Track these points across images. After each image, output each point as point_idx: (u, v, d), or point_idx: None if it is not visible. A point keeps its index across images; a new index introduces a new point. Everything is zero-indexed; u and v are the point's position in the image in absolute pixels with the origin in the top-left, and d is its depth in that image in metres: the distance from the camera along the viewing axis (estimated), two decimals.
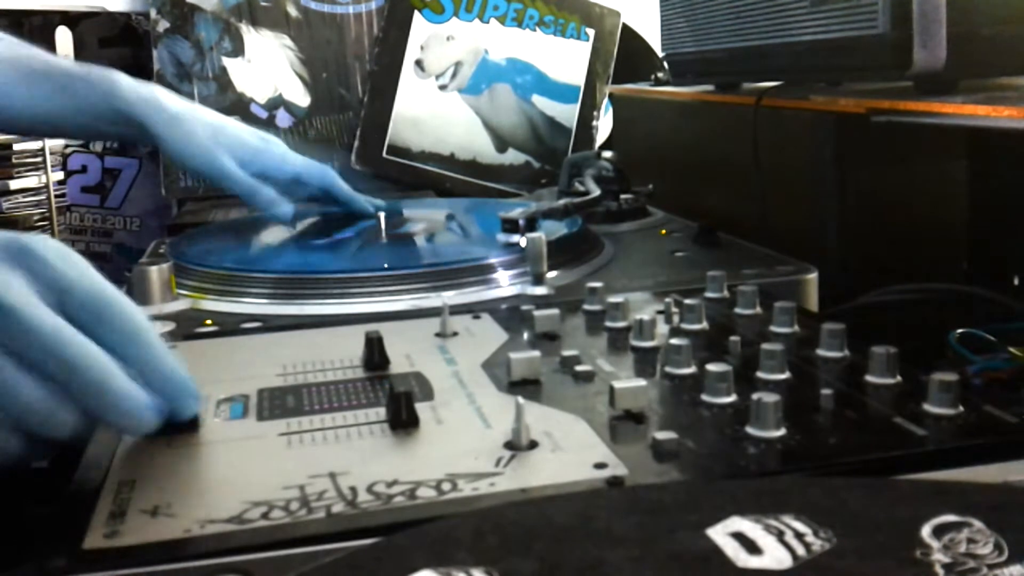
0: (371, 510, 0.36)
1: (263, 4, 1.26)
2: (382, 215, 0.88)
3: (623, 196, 0.94)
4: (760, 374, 0.48)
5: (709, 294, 0.63)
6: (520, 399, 0.41)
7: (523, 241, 0.71)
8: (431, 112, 1.27)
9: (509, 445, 0.41)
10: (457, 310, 0.60)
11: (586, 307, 0.62)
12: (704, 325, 0.57)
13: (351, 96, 1.28)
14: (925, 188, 0.78)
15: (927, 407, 0.42)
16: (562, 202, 0.85)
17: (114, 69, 0.83)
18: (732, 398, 0.45)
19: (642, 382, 0.44)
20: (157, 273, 0.67)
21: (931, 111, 0.64)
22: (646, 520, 0.30)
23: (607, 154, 0.99)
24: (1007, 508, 0.30)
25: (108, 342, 0.39)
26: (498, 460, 0.39)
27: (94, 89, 0.81)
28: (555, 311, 0.58)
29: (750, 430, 0.41)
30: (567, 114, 1.31)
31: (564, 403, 0.46)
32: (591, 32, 1.31)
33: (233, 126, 0.88)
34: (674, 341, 0.50)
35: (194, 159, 0.82)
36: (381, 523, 0.35)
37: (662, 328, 0.56)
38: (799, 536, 0.28)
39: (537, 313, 0.58)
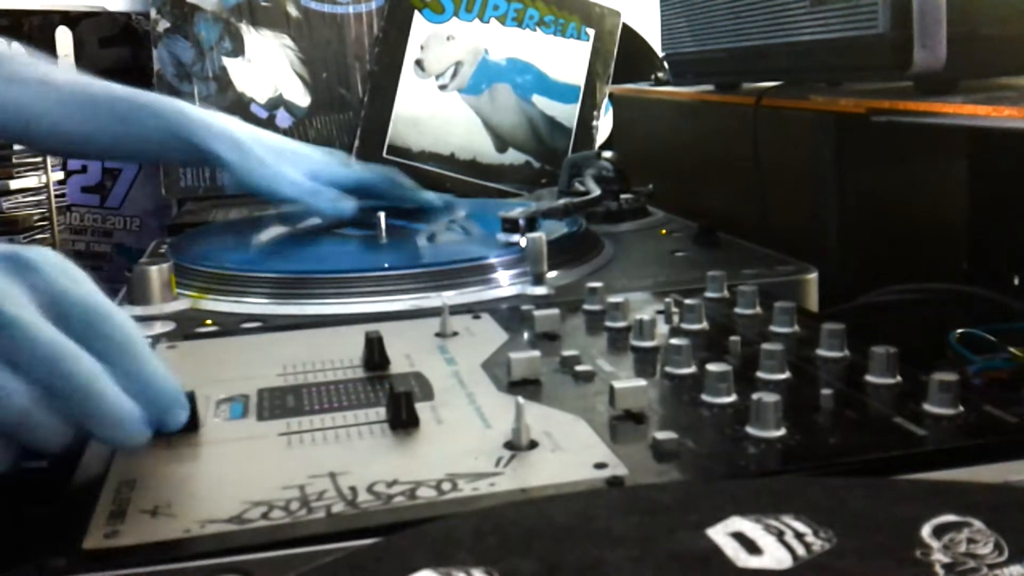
0: (371, 510, 0.36)
1: (263, 4, 1.26)
2: (382, 214, 0.88)
3: (623, 196, 0.94)
4: (760, 374, 0.48)
5: (709, 294, 0.63)
6: (520, 399, 0.41)
7: (523, 241, 0.71)
8: (431, 112, 1.27)
9: (509, 445, 0.41)
10: (457, 310, 0.60)
11: (586, 307, 0.62)
12: (704, 325, 0.57)
13: (351, 96, 1.28)
14: (925, 188, 0.78)
15: (927, 407, 0.42)
16: (562, 202, 0.85)
17: (180, 100, 0.87)
18: (732, 398, 0.45)
19: (642, 382, 0.44)
20: (157, 273, 0.67)
21: (931, 111, 0.64)
22: (646, 520, 0.30)
23: (607, 154, 0.99)
24: (1007, 508, 0.30)
25: (101, 353, 0.39)
26: (498, 460, 0.39)
27: (161, 119, 0.83)
28: (555, 311, 0.58)
29: (750, 430, 0.41)
30: (567, 114, 1.31)
31: (564, 403, 0.46)
32: (591, 32, 1.31)
33: (294, 146, 0.91)
34: (674, 341, 0.50)
35: (258, 180, 0.84)
36: (381, 523, 0.35)
37: (662, 328, 0.56)
38: (799, 536, 0.28)
39: (537, 313, 0.58)
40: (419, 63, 1.27)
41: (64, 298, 0.40)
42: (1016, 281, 0.75)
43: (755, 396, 0.41)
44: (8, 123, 0.82)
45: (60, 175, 1.30)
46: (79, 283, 0.41)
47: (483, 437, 0.42)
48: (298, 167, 0.86)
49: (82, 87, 0.84)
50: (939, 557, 0.27)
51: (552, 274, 0.70)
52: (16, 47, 1.00)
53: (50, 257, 0.41)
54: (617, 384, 0.44)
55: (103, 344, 0.40)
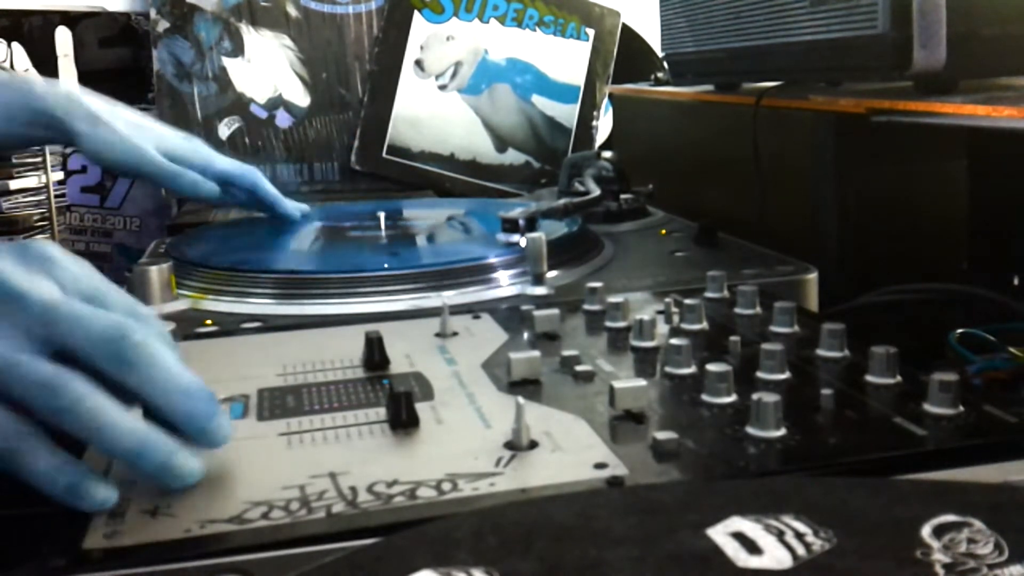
0: (371, 510, 0.36)
1: (263, 4, 1.26)
2: (382, 213, 0.88)
3: (623, 196, 0.94)
4: (760, 374, 0.48)
5: (709, 294, 0.63)
6: (520, 399, 0.41)
7: (523, 241, 0.71)
8: (431, 112, 1.27)
9: (509, 445, 0.41)
10: (457, 310, 0.60)
11: (586, 307, 0.62)
12: (704, 325, 0.57)
13: (351, 96, 1.28)
14: (925, 188, 0.78)
15: (927, 407, 0.42)
16: (562, 202, 0.85)
17: (29, 75, 0.83)
18: (732, 398, 0.45)
19: (642, 382, 0.44)
20: (157, 273, 0.67)
21: (931, 111, 0.64)
22: (646, 520, 0.30)
23: (607, 154, 0.99)
24: (1007, 508, 0.30)
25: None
26: (498, 460, 0.39)
27: (7, 94, 0.80)
28: (555, 311, 0.58)
29: (750, 430, 0.41)
30: (567, 114, 1.31)
31: (564, 403, 0.46)
32: (591, 32, 1.31)
33: (153, 124, 0.88)
34: (674, 341, 0.50)
35: (114, 152, 0.82)
36: (381, 523, 0.35)
37: (662, 328, 0.56)
38: (799, 536, 0.28)
39: (537, 313, 0.58)
40: (419, 63, 1.27)
41: (97, 288, 0.41)
42: (1016, 281, 0.75)
43: (755, 396, 0.41)
44: None
45: (60, 175, 1.30)
46: (97, 276, 0.42)
47: (483, 437, 0.42)
48: (158, 148, 0.84)
49: None
50: (939, 557, 0.27)
51: (552, 274, 0.70)
52: None
53: (60, 249, 0.42)
54: (617, 384, 0.44)
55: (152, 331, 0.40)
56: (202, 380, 0.40)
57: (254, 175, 0.91)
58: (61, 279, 0.40)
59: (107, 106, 0.84)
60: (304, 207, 0.94)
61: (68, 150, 1.33)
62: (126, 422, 0.37)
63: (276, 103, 1.26)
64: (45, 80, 0.83)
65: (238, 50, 1.25)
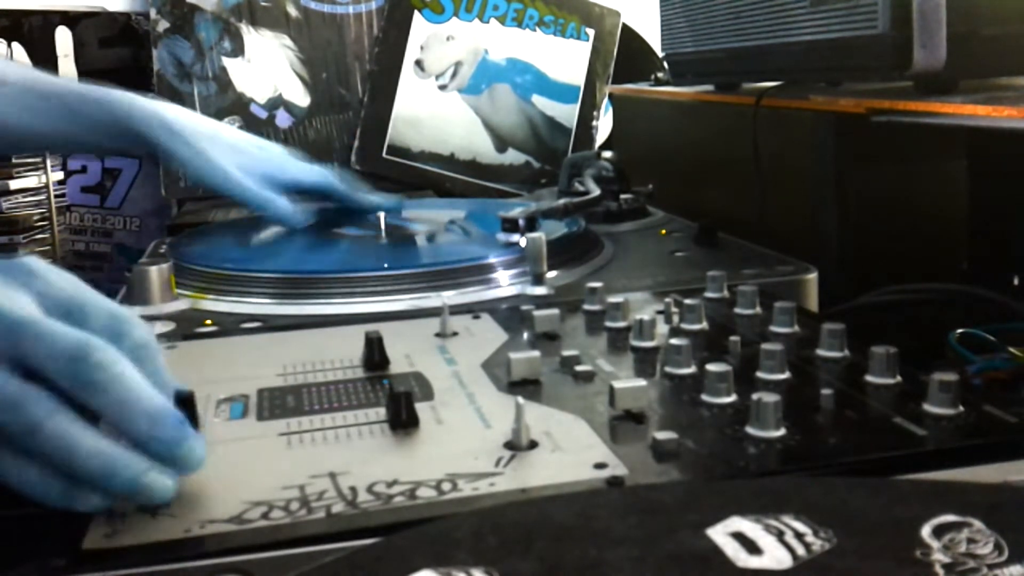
0: (371, 510, 0.36)
1: (263, 4, 1.26)
2: (382, 214, 0.88)
3: (623, 196, 0.94)
4: (760, 374, 0.48)
5: (709, 294, 0.63)
6: (520, 399, 0.41)
7: (523, 241, 0.71)
8: (431, 112, 1.27)
9: (509, 445, 0.41)
10: (457, 310, 0.60)
11: (586, 307, 0.62)
12: (704, 325, 0.57)
13: (351, 96, 1.28)
14: (925, 188, 0.78)
15: (927, 407, 0.42)
16: (562, 202, 0.85)
17: (125, 90, 0.85)
18: (732, 398, 0.45)
19: (642, 382, 0.44)
20: (157, 273, 0.67)
21: (931, 111, 0.64)
22: (646, 520, 0.30)
23: (607, 154, 0.99)
24: (1007, 508, 0.30)
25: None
26: (498, 460, 0.39)
27: (110, 112, 0.82)
28: (555, 311, 0.58)
29: (750, 430, 0.41)
30: (567, 114, 1.31)
31: (564, 403, 0.46)
32: (591, 32, 1.31)
33: (230, 134, 0.89)
34: (674, 341, 0.50)
35: (203, 174, 0.83)
36: (381, 523, 0.35)
37: (662, 328, 0.56)
38: (799, 536, 0.28)
39: (537, 313, 0.58)
40: (419, 63, 1.27)
41: (75, 301, 0.40)
42: (1016, 281, 0.75)
43: (755, 396, 0.41)
44: None
45: (60, 175, 1.30)
46: (81, 287, 0.41)
47: (483, 437, 0.42)
48: (238, 162, 0.85)
49: (30, 83, 0.83)
50: (939, 557, 0.27)
51: (552, 274, 0.70)
52: None
53: (43, 263, 0.41)
54: (617, 384, 0.44)
55: (127, 345, 0.39)
56: (170, 404, 0.38)
57: (326, 176, 0.92)
58: (41, 292, 0.40)
59: (207, 127, 0.86)
60: (380, 199, 0.94)
61: None
62: (91, 443, 0.36)
63: (276, 103, 1.26)
64: (145, 99, 0.84)
65: (238, 50, 1.25)
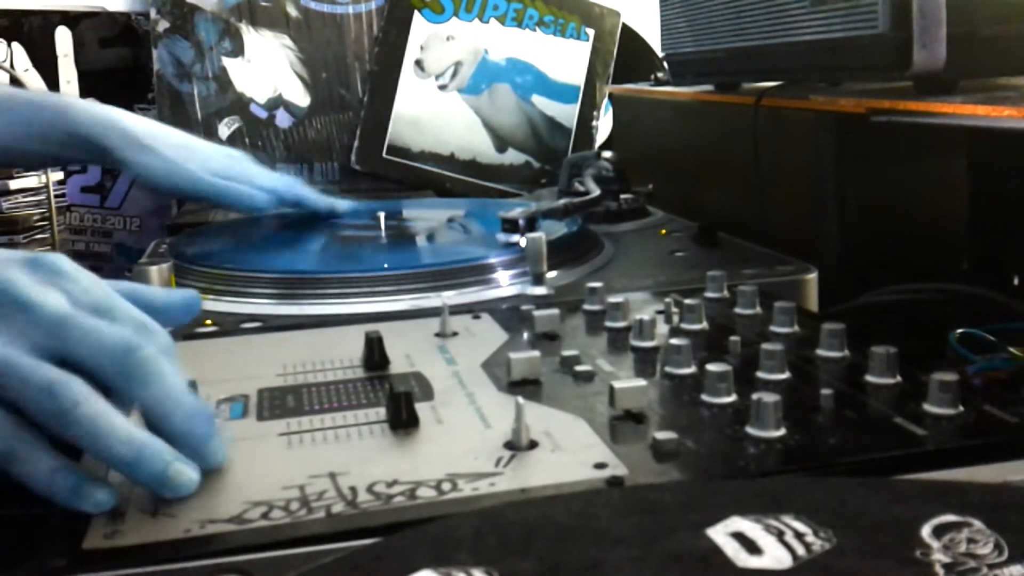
0: (371, 510, 0.36)
1: (263, 4, 1.26)
2: (382, 214, 0.88)
3: (623, 196, 0.94)
4: (760, 374, 0.48)
5: (709, 294, 0.63)
6: (520, 399, 0.41)
7: (523, 241, 0.71)
8: (431, 112, 1.27)
9: (509, 445, 0.41)
10: (457, 310, 0.60)
11: (586, 307, 0.62)
12: (704, 325, 0.57)
13: (351, 96, 1.28)
14: (925, 188, 0.78)
15: (927, 407, 0.42)
16: (562, 202, 0.85)
17: (66, 95, 0.83)
18: (732, 398, 0.45)
19: (642, 382, 0.44)
20: (157, 273, 0.67)
21: (931, 111, 0.64)
22: (646, 520, 0.30)
23: (607, 154, 0.99)
24: (1007, 508, 0.30)
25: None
26: (498, 460, 0.39)
27: (44, 114, 0.80)
28: (555, 311, 0.58)
29: (750, 430, 0.41)
30: (567, 114, 1.31)
31: (564, 403, 0.46)
32: (591, 32, 1.31)
33: (198, 144, 0.88)
34: (674, 341, 0.50)
35: (160, 176, 0.82)
36: (381, 523, 0.35)
37: (662, 328, 0.56)
38: (799, 536, 0.28)
39: (537, 313, 0.58)
40: (419, 63, 1.27)
41: (103, 303, 0.41)
42: (1016, 281, 0.75)
43: (755, 396, 0.41)
44: None
45: (60, 175, 1.30)
46: (108, 291, 0.43)
47: (483, 437, 0.42)
48: (205, 166, 0.85)
49: None
50: (939, 557, 0.27)
51: (552, 274, 0.70)
52: None
53: (72, 263, 0.42)
54: (617, 384, 0.44)
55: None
56: (204, 401, 0.40)
57: (295, 186, 0.92)
58: (71, 291, 0.41)
59: (153, 128, 0.84)
60: (348, 204, 0.94)
61: None
62: (124, 429, 0.37)
63: (276, 103, 1.26)
64: (87, 102, 0.83)
65: (238, 50, 1.25)
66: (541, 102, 1.29)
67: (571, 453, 0.40)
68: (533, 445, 0.41)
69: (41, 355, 0.38)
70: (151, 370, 0.39)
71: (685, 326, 0.57)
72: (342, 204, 0.93)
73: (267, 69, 1.26)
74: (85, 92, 1.29)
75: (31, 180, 1.25)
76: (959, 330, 0.57)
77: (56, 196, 1.28)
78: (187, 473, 0.38)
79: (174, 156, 0.82)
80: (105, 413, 0.37)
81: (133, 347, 0.39)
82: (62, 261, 0.42)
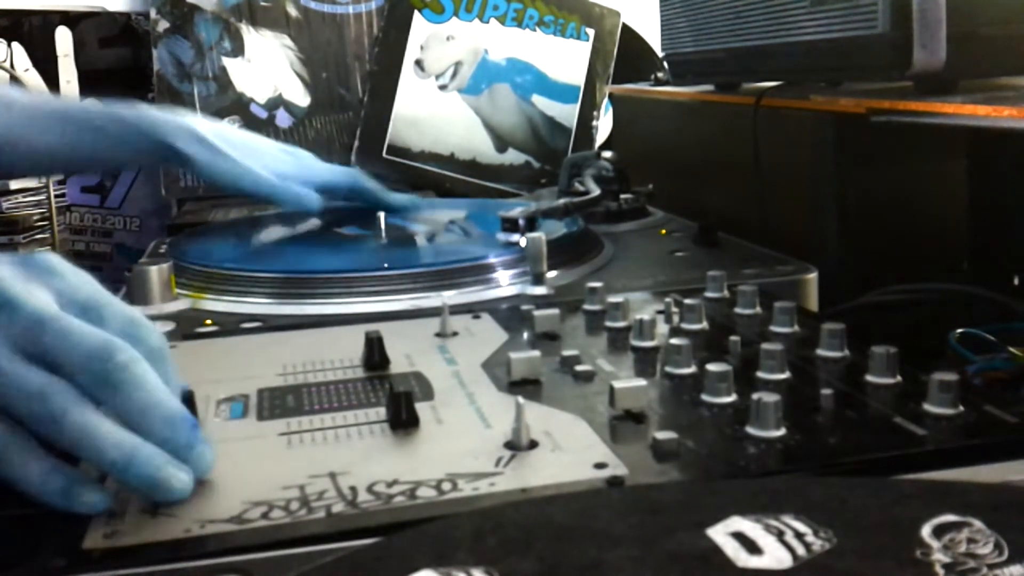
0: (371, 510, 0.36)
1: (263, 4, 1.26)
2: (382, 214, 0.87)
3: (623, 196, 0.94)
4: (760, 374, 0.48)
5: (709, 294, 0.63)
6: (520, 399, 0.41)
7: (523, 241, 0.71)
8: (431, 112, 1.27)
9: (509, 445, 0.41)
10: (457, 310, 0.60)
11: (586, 307, 0.62)
12: (704, 325, 0.57)
13: (351, 96, 1.28)
14: (925, 188, 0.78)
15: (927, 407, 0.42)
16: (562, 202, 0.85)
17: (140, 103, 0.86)
18: (732, 398, 0.45)
19: (642, 382, 0.44)
20: (157, 273, 0.67)
21: (931, 111, 0.64)
22: (646, 520, 0.30)
23: (607, 154, 0.99)
24: (1007, 508, 0.30)
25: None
26: (498, 460, 0.39)
27: (129, 130, 0.82)
28: (555, 311, 0.58)
29: (750, 430, 0.41)
30: (567, 114, 1.31)
31: (564, 403, 0.46)
32: (591, 32, 1.31)
33: (259, 142, 0.90)
34: (674, 341, 0.50)
35: (227, 177, 0.83)
36: (381, 523, 0.35)
37: (662, 328, 0.56)
38: (799, 536, 0.28)
39: (537, 313, 0.58)
40: (419, 63, 1.27)
41: (93, 302, 0.41)
42: (1016, 281, 0.75)
43: (755, 396, 0.41)
44: None
45: (60, 175, 1.30)
46: (99, 289, 0.42)
47: (483, 437, 0.42)
48: (264, 164, 0.86)
49: (50, 104, 0.85)
50: (939, 557, 0.27)
51: (552, 274, 0.70)
52: None
53: (63, 261, 0.42)
54: (617, 384, 0.44)
55: (143, 350, 0.40)
56: (185, 409, 0.39)
57: (355, 176, 0.93)
58: (60, 290, 0.40)
59: (219, 129, 0.86)
60: (413, 197, 0.94)
61: None
62: (113, 434, 0.37)
63: (276, 103, 1.26)
64: (163, 111, 0.85)
65: (238, 50, 1.25)
66: (541, 102, 1.29)
67: (571, 453, 0.40)
68: (533, 445, 0.41)
69: (27, 358, 0.38)
70: (127, 377, 0.38)
71: (685, 326, 0.57)
72: (401, 198, 0.93)
73: (267, 69, 1.26)
74: (85, 92, 1.29)
75: (31, 180, 1.25)
76: (959, 330, 0.57)
77: (56, 196, 1.28)
78: (179, 477, 0.37)
79: (238, 156, 0.84)
80: (93, 419, 0.37)
81: (107, 353, 0.38)
82: (53, 259, 0.42)
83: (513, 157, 1.29)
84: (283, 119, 1.26)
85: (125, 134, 0.82)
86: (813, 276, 0.70)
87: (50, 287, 0.40)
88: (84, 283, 0.42)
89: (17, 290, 0.39)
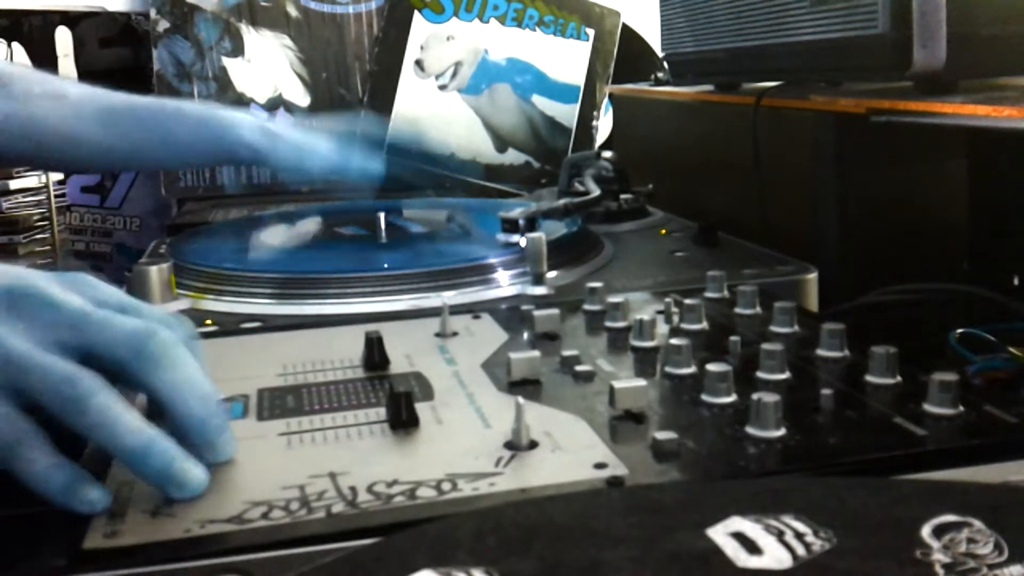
0: (371, 510, 0.36)
1: (263, 4, 1.26)
2: (382, 214, 0.87)
3: (623, 196, 0.94)
4: (760, 374, 0.48)
5: (709, 294, 0.63)
6: (520, 399, 0.41)
7: (523, 241, 0.71)
8: (431, 112, 1.27)
9: (509, 445, 0.41)
10: (457, 310, 0.60)
11: (586, 307, 0.62)
12: (704, 325, 0.57)
13: (351, 96, 1.28)
14: (925, 188, 0.78)
15: (927, 407, 0.42)
16: (562, 202, 0.85)
17: (213, 105, 0.83)
18: (732, 398, 0.45)
19: (642, 382, 0.44)
20: (157, 273, 0.67)
21: (931, 111, 0.64)
22: (646, 520, 0.30)
23: (607, 154, 0.99)
24: (1007, 508, 0.30)
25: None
26: (498, 460, 0.39)
27: (185, 120, 0.80)
28: (555, 311, 0.58)
29: (750, 430, 0.41)
30: (567, 114, 1.31)
31: (564, 403, 0.46)
32: (591, 32, 1.31)
33: (303, 129, 0.88)
34: (674, 341, 0.50)
35: (313, 171, 0.82)
36: (381, 523, 0.35)
37: (662, 328, 0.56)
38: (799, 536, 0.28)
39: (537, 313, 0.58)
40: (419, 63, 1.27)
41: (128, 303, 0.43)
42: (1016, 281, 0.75)
43: (755, 396, 0.41)
44: (18, 143, 0.79)
45: (60, 175, 1.30)
46: (130, 297, 0.45)
47: (483, 437, 0.42)
48: (331, 135, 0.84)
49: (99, 98, 0.83)
50: (939, 557, 0.27)
51: (552, 274, 0.70)
52: (22, 68, 0.97)
53: (94, 279, 0.44)
54: (617, 384, 0.44)
55: (181, 336, 0.42)
56: (218, 391, 0.41)
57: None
58: (94, 297, 0.42)
59: (278, 122, 0.86)
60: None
61: None
62: (135, 422, 0.38)
63: (276, 103, 1.26)
64: (242, 114, 0.83)
65: (238, 50, 1.25)
66: (541, 102, 1.29)
67: (571, 453, 0.40)
68: (533, 445, 0.41)
69: (63, 350, 0.39)
70: (168, 355, 0.39)
71: (685, 326, 0.57)
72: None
73: (267, 69, 1.26)
74: None
75: (31, 180, 1.25)
76: (959, 330, 0.57)
77: (56, 196, 1.28)
78: (194, 471, 0.38)
79: (298, 140, 0.82)
80: (117, 405, 0.38)
81: (151, 331, 0.40)
82: (85, 276, 0.44)
83: (513, 157, 1.29)
84: (283, 119, 1.26)
85: (180, 132, 0.80)
86: (813, 276, 0.70)
87: (85, 295, 0.42)
88: (115, 292, 0.44)
89: (57, 293, 0.40)
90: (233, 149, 0.80)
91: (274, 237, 0.90)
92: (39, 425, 0.38)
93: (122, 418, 0.38)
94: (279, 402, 0.47)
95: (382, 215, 0.87)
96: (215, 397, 0.40)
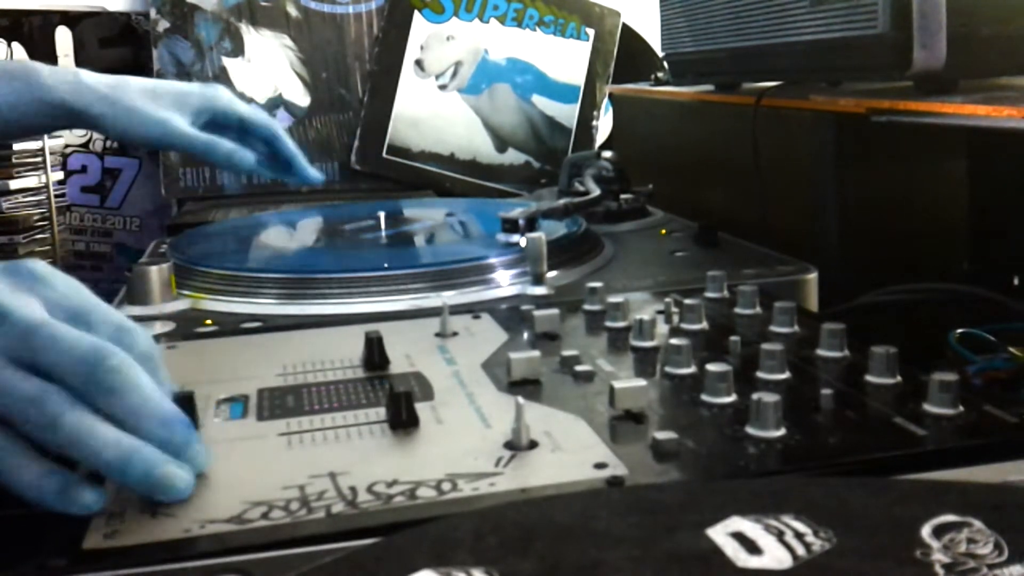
0: (371, 510, 0.36)
1: (263, 4, 1.26)
2: (382, 213, 0.87)
3: (623, 196, 0.94)
4: (760, 374, 0.48)
5: (709, 294, 0.63)
6: (520, 399, 0.41)
7: (523, 241, 0.71)
8: (431, 112, 1.27)
9: (509, 445, 0.41)
10: (457, 310, 0.60)
11: (586, 307, 0.62)
12: (704, 325, 0.57)
13: (351, 96, 1.28)
14: (925, 188, 0.78)
15: (927, 407, 0.42)
16: (562, 202, 0.85)
17: (33, 62, 0.78)
18: (732, 398, 0.45)
19: (642, 382, 0.44)
20: (157, 273, 0.67)
21: (931, 111, 0.64)
22: (646, 520, 0.30)
23: (607, 154, 0.99)
24: (1007, 508, 0.30)
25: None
26: (498, 460, 0.39)
27: (11, 84, 0.75)
28: (555, 311, 0.58)
29: (750, 430, 0.41)
30: (567, 114, 1.31)
31: (564, 403, 0.46)
32: (591, 32, 1.31)
33: (168, 84, 0.84)
34: (674, 341, 0.50)
35: (141, 128, 0.77)
36: (381, 523, 0.35)
37: (662, 328, 0.56)
38: (799, 536, 0.28)
39: (537, 313, 0.58)
40: (419, 63, 1.27)
41: (82, 308, 0.41)
42: (1016, 281, 0.75)
43: (755, 396, 0.41)
44: None
45: (60, 175, 1.30)
46: (86, 294, 0.42)
47: (483, 437, 0.42)
48: (180, 108, 0.80)
49: None
50: (939, 557, 0.27)
51: (552, 274, 0.70)
52: None
53: (50, 268, 0.42)
54: (617, 384, 0.44)
55: (133, 354, 0.40)
56: (179, 410, 0.39)
57: (272, 124, 0.86)
58: (48, 297, 0.40)
59: (115, 81, 0.80)
60: (320, 175, 0.90)
61: (68, 150, 1.33)
62: (110, 434, 0.37)
63: (276, 103, 1.26)
64: (51, 67, 0.78)
65: (238, 50, 1.25)
66: (541, 102, 1.30)
67: (571, 453, 0.40)
68: (533, 445, 0.41)
69: (16, 364, 0.38)
70: (119, 380, 0.38)
71: (685, 326, 0.57)
72: (312, 172, 0.88)
73: (267, 69, 1.26)
74: None
75: (31, 180, 1.25)
76: (959, 330, 0.57)
77: (56, 196, 1.28)
78: (180, 475, 0.37)
79: (143, 105, 0.78)
80: (87, 421, 0.37)
81: (101, 357, 0.38)
82: (39, 266, 0.42)
83: (513, 157, 1.29)
84: (283, 119, 1.26)
85: (16, 97, 0.75)
86: (813, 276, 0.70)
87: (38, 294, 0.40)
88: (72, 289, 0.42)
89: (5, 299, 0.39)
90: (47, 101, 0.75)
91: (274, 237, 0.90)
92: (21, 435, 0.37)
93: (95, 431, 0.37)
94: (279, 402, 0.47)
95: (382, 215, 0.87)
96: (174, 416, 0.39)
